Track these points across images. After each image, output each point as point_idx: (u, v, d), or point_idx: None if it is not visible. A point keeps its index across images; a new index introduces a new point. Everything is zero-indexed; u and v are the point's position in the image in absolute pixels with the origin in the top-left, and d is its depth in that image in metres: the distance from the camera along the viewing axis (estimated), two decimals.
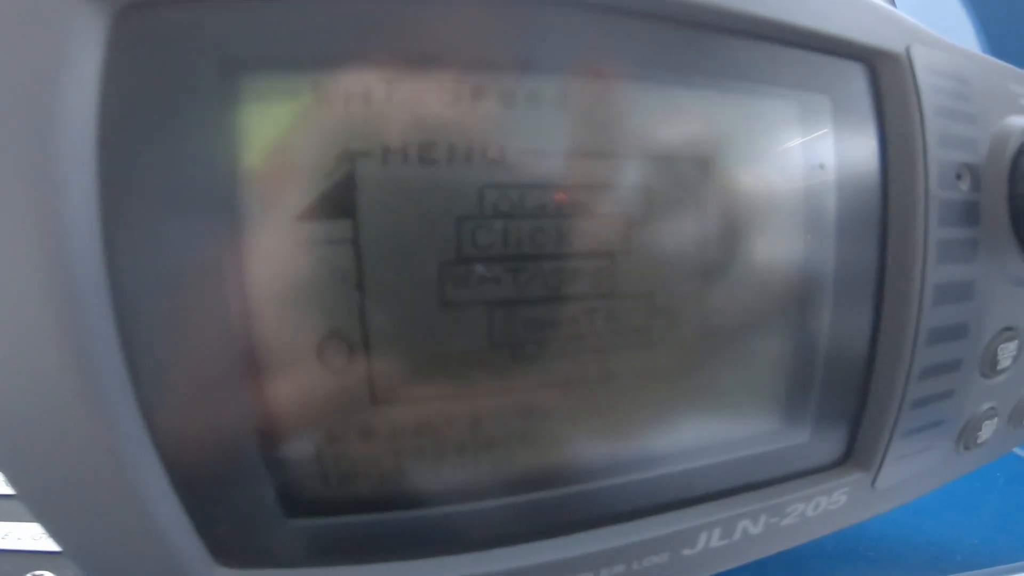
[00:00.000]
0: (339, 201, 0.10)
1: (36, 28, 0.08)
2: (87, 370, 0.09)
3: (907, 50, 0.14)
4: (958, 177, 0.14)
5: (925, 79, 0.14)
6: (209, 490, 0.11)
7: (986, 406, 0.17)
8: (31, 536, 0.22)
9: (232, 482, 0.11)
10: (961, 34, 0.38)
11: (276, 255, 0.10)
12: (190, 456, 0.10)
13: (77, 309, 0.09)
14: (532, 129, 0.11)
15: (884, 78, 0.14)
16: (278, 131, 0.10)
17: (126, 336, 0.09)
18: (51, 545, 0.22)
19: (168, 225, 0.10)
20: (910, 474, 0.16)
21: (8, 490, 0.24)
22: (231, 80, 0.10)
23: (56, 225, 0.09)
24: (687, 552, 0.14)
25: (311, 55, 0.10)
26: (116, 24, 0.09)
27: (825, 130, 0.14)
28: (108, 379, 0.09)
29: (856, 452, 0.15)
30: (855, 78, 0.14)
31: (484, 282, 0.11)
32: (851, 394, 0.15)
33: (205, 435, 0.10)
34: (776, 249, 0.13)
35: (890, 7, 0.14)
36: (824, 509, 0.15)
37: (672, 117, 0.12)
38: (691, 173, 0.13)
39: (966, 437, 0.17)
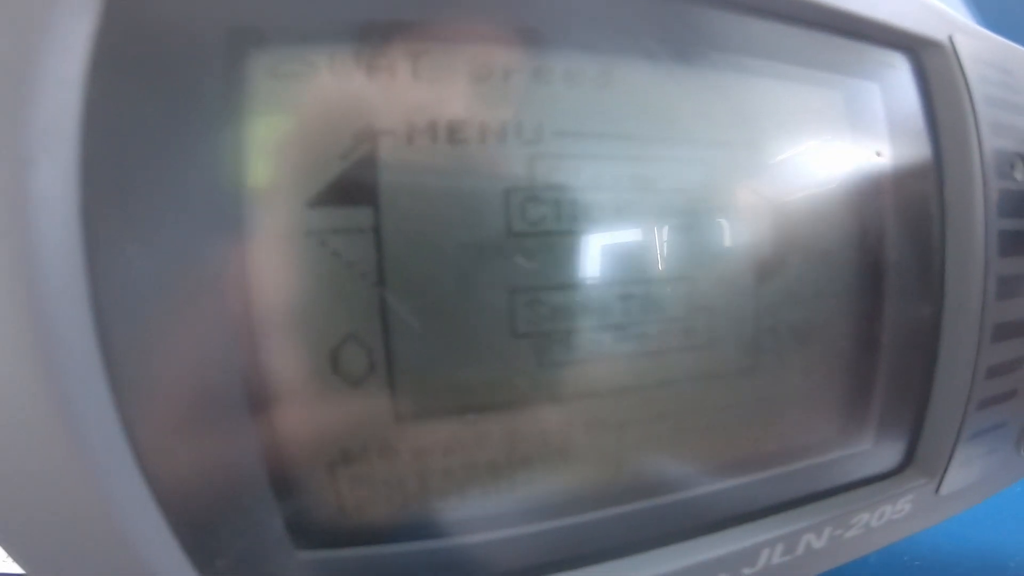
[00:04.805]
0: (358, 185, 0.09)
1: None
2: (60, 381, 0.07)
3: (950, 39, 0.13)
4: (1012, 167, 0.14)
5: (972, 68, 0.13)
6: (207, 520, 0.09)
7: None
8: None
9: (233, 510, 0.09)
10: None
11: (284, 247, 0.09)
12: (184, 482, 0.08)
13: (51, 308, 0.07)
14: (569, 113, 0.10)
15: (930, 67, 0.13)
16: (292, 110, 0.09)
17: (108, 342, 0.08)
18: None
19: (163, 214, 0.08)
20: (973, 479, 0.15)
21: None
22: (240, 52, 0.08)
23: (29, 215, 0.07)
24: (747, 571, 0.12)
25: (329, 24, 0.09)
26: None
27: (878, 118, 0.13)
28: (85, 391, 0.08)
29: (919, 457, 0.14)
30: (901, 67, 0.13)
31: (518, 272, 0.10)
32: (915, 395, 0.14)
33: (201, 457, 0.09)
34: (833, 244, 0.12)
35: None
36: (888, 518, 0.14)
37: (721, 102, 0.11)
38: (743, 161, 0.11)
39: None
